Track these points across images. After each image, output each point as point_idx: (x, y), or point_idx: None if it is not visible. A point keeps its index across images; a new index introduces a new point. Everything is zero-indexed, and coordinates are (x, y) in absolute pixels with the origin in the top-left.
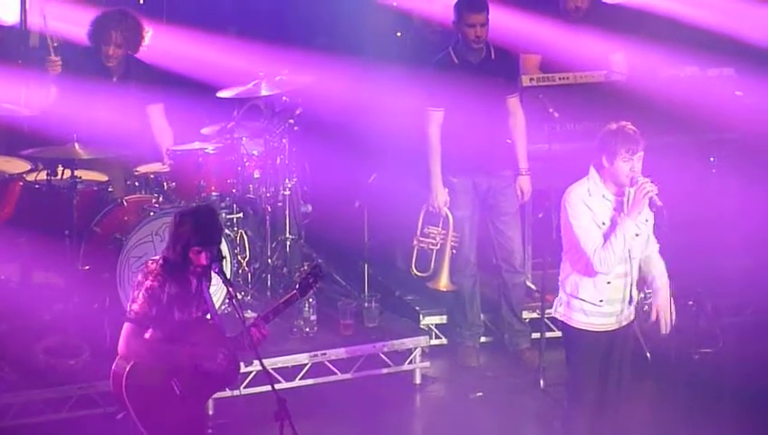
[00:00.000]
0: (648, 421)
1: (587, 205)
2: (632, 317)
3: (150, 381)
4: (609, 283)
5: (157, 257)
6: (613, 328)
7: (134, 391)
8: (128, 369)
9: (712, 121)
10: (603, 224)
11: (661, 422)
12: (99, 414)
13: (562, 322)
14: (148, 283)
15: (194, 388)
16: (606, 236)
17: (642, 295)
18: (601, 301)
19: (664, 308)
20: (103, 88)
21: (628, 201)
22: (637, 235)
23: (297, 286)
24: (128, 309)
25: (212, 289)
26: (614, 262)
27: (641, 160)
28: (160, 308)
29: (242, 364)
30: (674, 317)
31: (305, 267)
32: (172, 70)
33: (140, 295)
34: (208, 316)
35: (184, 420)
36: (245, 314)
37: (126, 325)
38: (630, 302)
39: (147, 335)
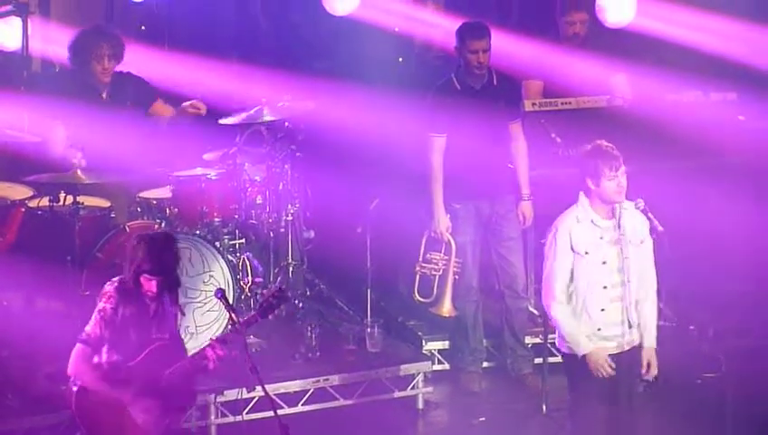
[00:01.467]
0: None
1: (570, 234)
2: (637, 341)
3: (101, 403)
4: (603, 310)
5: (115, 280)
6: (615, 352)
7: (84, 411)
8: (76, 390)
9: (714, 146)
10: (586, 253)
11: None
12: None
13: (563, 352)
14: (100, 305)
15: (148, 410)
16: (592, 259)
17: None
18: (599, 329)
19: (648, 355)
20: (95, 108)
21: (618, 225)
22: (626, 258)
23: (258, 307)
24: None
25: (214, 315)
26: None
27: (625, 175)
28: (114, 330)
29: (244, 390)
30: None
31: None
32: (174, 95)
33: (94, 316)
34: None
35: None
36: (248, 339)
37: (76, 346)
38: (631, 325)
39: (103, 357)
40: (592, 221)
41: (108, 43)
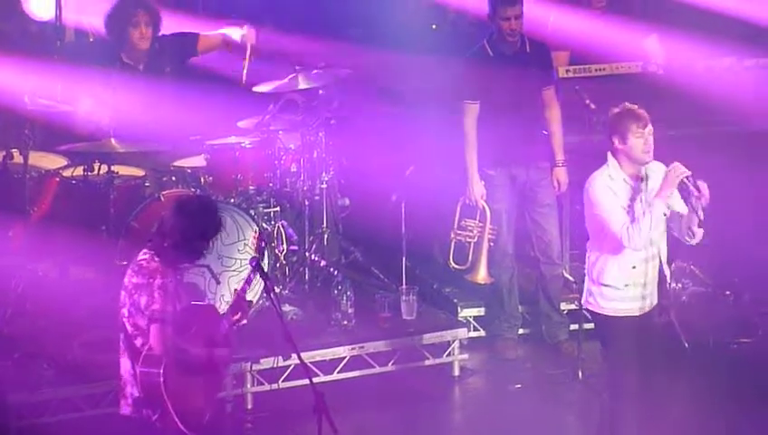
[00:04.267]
0: (686, 410)
1: (610, 188)
2: (655, 302)
3: (180, 378)
4: (634, 267)
5: (147, 256)
6: (639, 313)
7: (172, 391)
8: (162, 371)
9: (749, 112)
10: (625, 207)
11: (699, 411)
12: None
13: (592, 311)
14: (158, 281)
15: (209, 374)
16: (631, 214)
17: (680, 286)
18: (626, 285)
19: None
20: (131, 81)
21: (645, 182)
22: (665, 214)
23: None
24: (149, 311)
25: None
26: (642, 241)
27: (652, 135)
28: (173, 302)
29: (279, 358)
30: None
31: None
32: (208, 64)
33: (156, 295)
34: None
35: (210, 408)
36: (283, 308)
37: (155, 327)
38: (659, 284)
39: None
40: (624, 180)
41: (145, 10)
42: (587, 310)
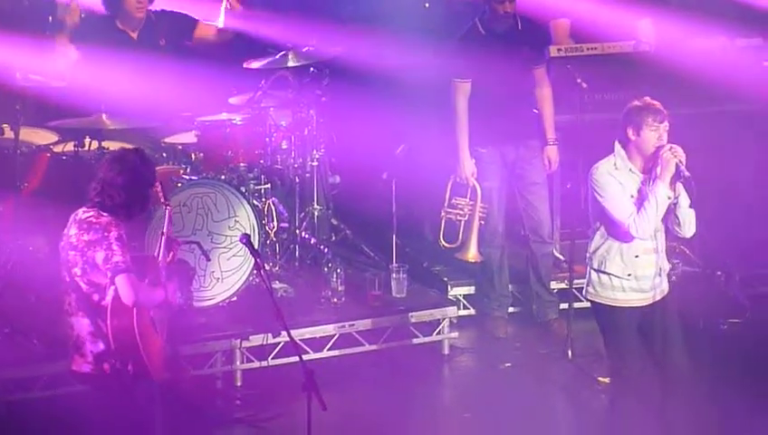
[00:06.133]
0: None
1: (614, 177)
2: (667, 290)
3: (146, 325)
4: (637, 257)
5: (92, 212)
6: (646, 303)
7: (145, 338)
8: (135, 320)
9: (740, 92)
10: (632, 196)
11: (687, 393)
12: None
13: (594, 302)
14: (114, 233)
15: (164, 313)
16: (639, 204)
17: (669, 266)
18: (629, 275)
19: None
20: (123, 50)
21: (652, 177)
22: (669, 198)
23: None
24: (110, 264)
25: (240, 260)
26: (649, 227)
27: (667, 132)
28: (128, 252)
29: (269, 335)
30: None
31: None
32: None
33: (115, 247)
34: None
35: (167, 345)
36: (273, 285)
37: (122, 277)
38: (660, 274)
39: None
40: (630, 170)
41: None
42: (591, 301)
